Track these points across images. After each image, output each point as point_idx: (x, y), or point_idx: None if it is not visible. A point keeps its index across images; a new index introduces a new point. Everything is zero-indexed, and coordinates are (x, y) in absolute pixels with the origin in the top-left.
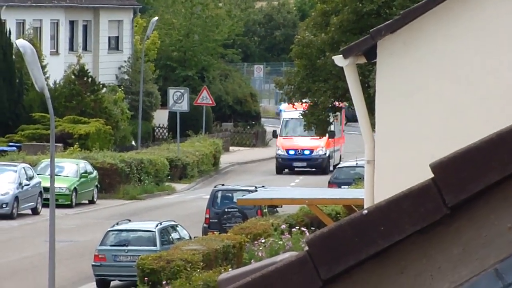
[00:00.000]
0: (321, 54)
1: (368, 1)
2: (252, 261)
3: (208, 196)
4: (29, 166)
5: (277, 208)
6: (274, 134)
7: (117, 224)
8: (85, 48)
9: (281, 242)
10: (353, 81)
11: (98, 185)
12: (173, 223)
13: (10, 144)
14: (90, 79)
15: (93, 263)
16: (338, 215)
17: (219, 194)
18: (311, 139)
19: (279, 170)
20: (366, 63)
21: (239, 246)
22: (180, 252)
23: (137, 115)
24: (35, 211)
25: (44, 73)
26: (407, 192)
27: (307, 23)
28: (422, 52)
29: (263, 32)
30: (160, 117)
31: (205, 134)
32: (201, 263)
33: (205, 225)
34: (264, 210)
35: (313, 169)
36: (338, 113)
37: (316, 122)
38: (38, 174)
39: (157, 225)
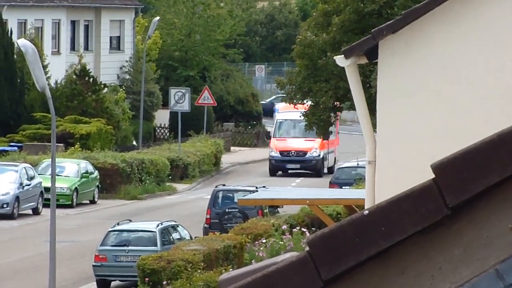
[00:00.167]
0: (323, 54)
1: (369, 1)
2: (253, 261)
3: (209, 196)
4: (30, 166)
5: (278, 209)
6: (268, 135)
7: (118, 224)
8: (86, 48)
9: (282, 242)
10: (355, 81)
11: (99, 185)
12: (173, 223)
13: (11, 144)
14: (91, 79)
15: (94, 263)
16: (339, 216)
17: (220, 194)
18: (305, 140)
19: (272, 172)
20: (367, 63)
21: (240, 246)
22: (181, 252)
23: (138, 115)
24: (36, 211)
25: (46, 73)
26: (408, 193)
27: (309, 23)
28: (423, 52)
29: (265, 32)
30: (162, 117)
31: (206, 134)
32: (202, 264)
33: (206, 225)
34: (265, 211)
35: (307, 172)
36: (339, 113)
37: (318, 122)
38: (39, 174)
39: (158, 225)
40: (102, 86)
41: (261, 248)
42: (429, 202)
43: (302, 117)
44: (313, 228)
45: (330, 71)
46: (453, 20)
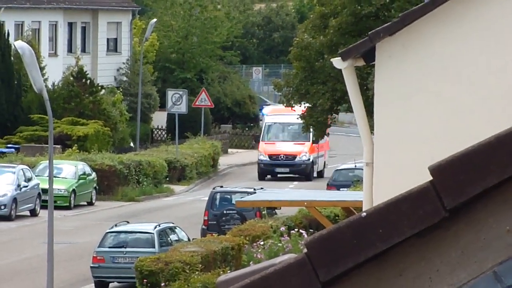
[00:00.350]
0: (320, 56)
1: (366, 3)
2: (251, 263)
3: (207, 198)
4: (28, 167)
5: (276, 210)
6: (256, 139)
7: (116, 225)
8: (83, 49)
9: (280, 244)
10: (352, 84)
11: (97, 187)
12: (171, 225)
13: (9, 145)
14: (88, 81)
15: (92, 265)
16: (337, 218)
17: (218, 196)
18: (294, 144)
19: (261, 176)
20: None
21: (237, 248)
22: (178, 254)
23: (135, 117)
24: (33, 213)
25: (43, 75)
26: (406, 195)
27: (306, 25)
28: (420, 55)
29: (262, 34)
30: (159, 119)
31: (204, 136)
32: (200, 265)
33: (203, 227)
34: (263, 212)
35: (296, 176)
36: (335, 115)
37: (315, 125)
38: (36, 176)
39: (155, 227)
40: (99, 88)
41: (259, 250)
42: (426, 204)
43: (300, 119)
44: (311, 230)
45: (327, 73)
46: (454, 20)
